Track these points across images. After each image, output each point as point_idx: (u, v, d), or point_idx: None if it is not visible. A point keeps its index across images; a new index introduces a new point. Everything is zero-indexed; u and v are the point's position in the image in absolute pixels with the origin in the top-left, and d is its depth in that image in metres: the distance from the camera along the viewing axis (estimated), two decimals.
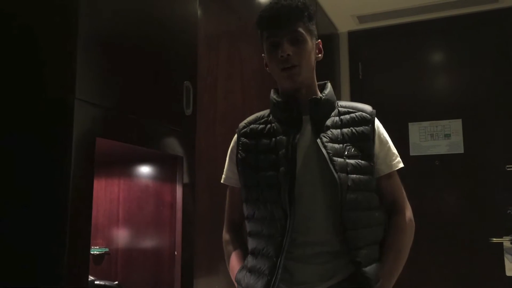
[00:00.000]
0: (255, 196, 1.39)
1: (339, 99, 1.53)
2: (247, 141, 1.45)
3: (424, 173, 3.24)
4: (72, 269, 1.05)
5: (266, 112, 1.50)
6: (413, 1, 3.19)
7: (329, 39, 3.51)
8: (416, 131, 3.26)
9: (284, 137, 1.37)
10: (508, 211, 3.02)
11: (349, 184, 1.31)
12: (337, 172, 1.30)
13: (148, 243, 1.58)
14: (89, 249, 1.12)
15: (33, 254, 1.06)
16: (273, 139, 1.39)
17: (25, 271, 1.06)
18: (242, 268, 1.42)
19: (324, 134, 1.36)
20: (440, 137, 3.25)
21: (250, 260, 1.39)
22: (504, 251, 2.94)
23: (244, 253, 1.47)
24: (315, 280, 1.32)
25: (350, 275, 1.32)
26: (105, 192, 1.63)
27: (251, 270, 1.37)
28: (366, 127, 1.39)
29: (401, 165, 1.45)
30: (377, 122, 1.44)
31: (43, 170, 1.09)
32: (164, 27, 1.49)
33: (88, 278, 1.15)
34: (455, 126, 3.24)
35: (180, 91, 1.53)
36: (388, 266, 1.36)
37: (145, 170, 1.62)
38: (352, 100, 3.45)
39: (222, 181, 1.55)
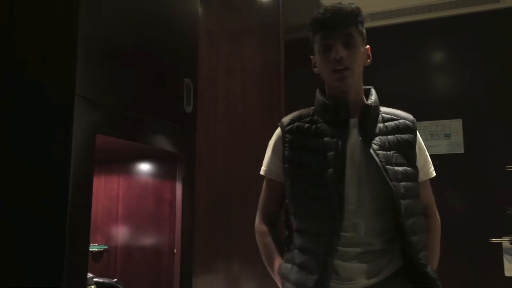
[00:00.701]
0: (303, 195, 1.42)
1: None
2: (293, 138, 1.47)
3: None
4: (71, 266, 1.04)
5: (309, 110, 1.52)
6: (412, 0, 3.18)
7: None
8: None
9: (332, 139, 1.40)
10: (508, 212, 3.02)
11: (402, 192, 1.36)
12: (391, 181, 1.35)
13: (147, 240, 1.57)
14: (88, 246, 1.12)
15: (32, 251, 1.06)
16: (320, 139, 1.42)
17: (24, 268, 1.06)
18: (287, 262, 1.45)
19: (374, 142, 1.40)
20: (441, 137, 3.25)
21: (299, 257, 1.41)
22: (503, 251, 2.94)
23: (281, 247, 1.51)
24: (360, 277, 1.37)
25: (394, 272, 1.39)
26: (105, 189, 1.62)
27: (300, 266, 1.39)
28: (410, 135, 1.46)
29: (434, 173, 1.55)
30: (417, 131, 1.51)
31: (43, 167, 1.08)
32: (164, 25, 1.49)
33: (87, 275, 1.15)
34: (456, 126, 3.24)
35: (181, 89, 1.53)
36: (432, 265, 1.46)
37: (145, 167, 1.62)
38: None
39: (262, 173, 1.56)
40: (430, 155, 1.57)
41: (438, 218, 1.56)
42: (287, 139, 1.47)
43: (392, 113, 1.51)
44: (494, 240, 2.96)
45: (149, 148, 1.41)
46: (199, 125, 1.73)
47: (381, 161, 1.37)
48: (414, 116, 1.53)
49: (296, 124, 1.48)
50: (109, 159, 1.59)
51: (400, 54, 3.51)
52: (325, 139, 1.41)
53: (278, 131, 1.53)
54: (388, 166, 1.37)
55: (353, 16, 1.42)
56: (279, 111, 2.48)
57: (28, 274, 1.05)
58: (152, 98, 1.40)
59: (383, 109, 1.52)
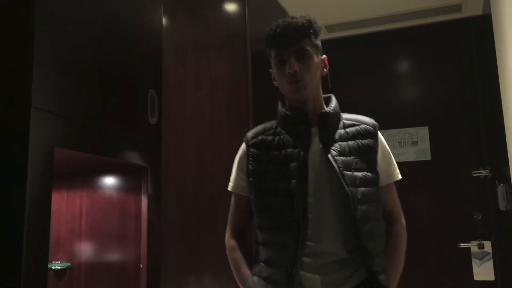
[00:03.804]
0: (267, 207, 1.43)
1: None
2: (258, 152, 1.48)
3: None
4: (29, 286, 1.00)
5: (273, 123, 1.53)
6: (379, 11, 3.24)
7: None
8: (384, 138, 3.27)
9: (294, 150, 1.42)
10: (475, 216, 3.07)
11: (359, 197, 1.37)
12: (348, 186, 1.36)
13: (112, 256, 1.53)
14: (47, 264, 1.07)
15: None
16: (283, 150, 1.43)
17: None
18: (254, 275, 1.45)
19: (333, 147, 1.41)
20: (408, 145, 3.30)
21: (265, 270, 1.41)
22: (472, 256, 2.99)
23: (250, 261, 1.50)
24: None
25: (358, 284, 1.38)
26: (67, 204, 1.58)
27: (266, 279, 1.39)
28: (371, 140, 1.47)
29: (400, 176, 1.53)
30: (380, 135, 1.51)
31: None
32: (127, 36, 1.47)
33: None
34: (422, 133, 3.29)
35: (145, 100, 1.50)
36: (392, 273, 1.44)
37: (108, 181, 1.58)
38: None
39: (229, 189, 1.56)
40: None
41: (403, 224, 1.53)
42: (251, 153, 1.48)
43: (354, 118, 1.53)
44: (462, 245, 3.00)
45: (113, 161, 1.38)
46: (166, 137, 1.71)
47: (339, 167, 1.37)
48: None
49: (260, 137, 1.50)
50: (71, 173, 1.55)
51: (367, 63, 3.56)
52: (288, 150, 1.43)
53: (243, 146, 1.54)
54: (346, 172, 1.37)
55: (304, 29, 1.44)
56: (248, 123, 2.47)
57: None
58: (114, 110, 1.37)
59: (345, 115, 1.54)
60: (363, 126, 1.49)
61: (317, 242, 1.37)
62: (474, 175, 3.08)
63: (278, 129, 1.49)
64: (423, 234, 3.18)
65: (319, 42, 1.49)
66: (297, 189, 1.36)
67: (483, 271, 2.97)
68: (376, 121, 1.55)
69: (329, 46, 3.61)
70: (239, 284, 1.51)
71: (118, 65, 1.41)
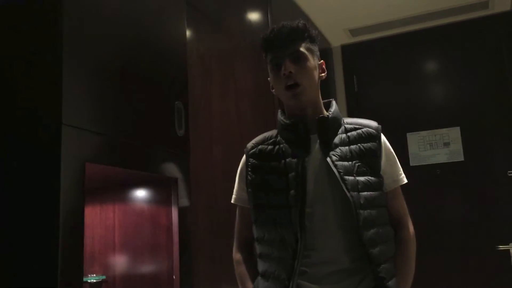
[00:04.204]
0: (265, 218, 1.39)
1: None
2: (256, 162, 1.45)
3: (426, 183, 3.20)
4: None
5: (273, 132, 1.51)
6: (403, 12, 3.20)
7: (323, 54, 3.49)
8: (415, 141, 3.24)
9: (293, 160, 1.38)
10: None
11: (362, 202, 1.32)
12: (349, 191, 1.31)
13: (145, 268, 1.54)
14: (82, 278, 1.09)
15: None
16: (283, 160, 1.40)
17: None
18: None
19: (333, 153, 1.37)
20: (440, 146, 3.23)
21: (262, 283, 1.38)
22: None
23: (256, 274, 1.46)
24: None
25: None
26: (100, 218, 1.60)
27: None
28: (374, 143, 1.41)
29: (405, 180, 1.47)
30: (383, 138, 1.46)
31: (31, 200, 1.06)
32: (151, 49, 1.48)
33: None
34: (454, 134, 3.22)
35: (172, 112, 1.51)
36: (402, 280, 1.38)
37: (140, 194, 1.60)
38: (349, 113, 3.44)
39: (232, 201, 1.55)
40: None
41: (411, 230, 1.46)
42: (250, 163, 1.46)
43: (355, 122, 1.47)
44: (501, 247, 2.91)
45: (143, 174, 1.39)
46: (195, 148, 1.72)
47: (339, 172, 1.33)
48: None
49: (259, 147, 1.47)
50: (103, 187, 1.58)
51: (394, 64, 3.52)
52: (287, 160, 1.39)
53: (243, 157, 1.52)
54: (346, 177, 1.33)
55: (299, 32, 1.42)
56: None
57: None
58: (142, 123, 1.38)
59: (347, 119, 1.49)
60: (365, 129, 1.43)
61: (318, 252, 1.33)
62: (510, 175, 2.99)
63: (278, 138, 1.46)
64: (460, 238, 3.11)
65: (315, 48, 1.46)
66: (295, 200, 1.33)
67: None
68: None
69: (354, 50, 3.64)
70: None
71: (144, 78, 1.42)
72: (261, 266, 1.41)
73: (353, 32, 3.48)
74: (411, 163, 3.22)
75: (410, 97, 3.40)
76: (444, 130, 3.24)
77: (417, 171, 3.20)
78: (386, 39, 3.53)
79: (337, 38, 3.58)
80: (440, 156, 3.21)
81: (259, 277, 1.41)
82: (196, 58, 1.98)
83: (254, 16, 2.68)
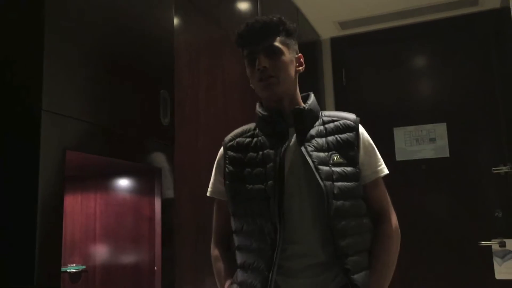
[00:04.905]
0: (243, 210, 1.38)
1: (323, 105, 1.52)
2: (234, 154, 1.44)
3: (411, 178, 3.22)
4: None
5: (252, 125, 1.50)
6: (394, 6, 3.19)
7: (312, 46, 3.49)
8: (401, 136, 3.25)
9: (271, 151, 1.37)
10: (496, 214, 3.01)
11: (335, 192, 1.31)
12: (322, 181, 1.30)
13: (127, 258, 1.52)
14: (60, 267, 1.07)
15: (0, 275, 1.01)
16: (260, 152, 1.39)
17: None
18: (233, 283, 1.40)
19: (309, 144, 1.37)
20: (425, 141, 3.24)
21: (240, 275, 1.38)
22: (493, 254, 2.92)
23: (234, 269, 1.45)
24: None
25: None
26: (81, 207, 1.57)
27: (241, 285, 1.35)
28: (350, 134, 1.40)
29: (386, 171, 1.45)
30: (361, 129, 1.44)
31: (9, 187, 1.03)
32: (138, 36, 1.45)
33: None
34: (440, 130, 3.23)
35: (157, 101, 1.49)
36: (377, 274, 1.36)
37: (122, 183, 1.57)
38: (337, 106, 3.44)
39: (208, 194, 1.54)
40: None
41: (394, 223, 1.43)
42: (228, 156, 1.45)
43: (334, 115, 1.47)
44: (483, 243, 2.94)
45: (126, 163, 1.37)
46: (181, 139, 1.69)
47: (313, 162, 1.33)
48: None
49: (237, 140, 1.47)
50: (84, 176, 1.55)
51: (383, 59, 3.52)
52: (265, 151, 1.39)
53: (221, 149, 1.51)
54: (321, 167, 1.32)
55: (273, 27, 1.41)
56: None
57: None
58: (126, 111, 1.36)
59: (325, 112, 1.48)
60: (342, 121, 1.43)
61: (296, 243, 1.32)
62: (495, 171, 3.01)
63: (256, 131, 1.46)
64: (443, 233, 3.13)
65: (292, 41, 1.45)
66: (273, 191, 1.32)
67: (504, 269, 2.90)
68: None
69: (343, 43, 3.63)
70: None
71: (129, 66, 1.40)
72: (239, 257, 1.40)
73: (343, 25, 3.46)
74: (397, 158, 3.22)
75: (397, 92, 3.41)
76: (431, 126, 3.25)
77: (403, 166, 3.21)
78: (376, 33, 3.52)
79: (326, 31, 3.57)
80: (426, 151, 3.23)
81: (238, 269, 1.40)
82: (183, 47, 1.95)
83: (243, 6, 2.65)
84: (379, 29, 3.50)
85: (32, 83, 1.06)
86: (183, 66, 1.91)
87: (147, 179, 1.51)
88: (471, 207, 3.09)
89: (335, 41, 3.65)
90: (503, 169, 2.98)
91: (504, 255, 2.91)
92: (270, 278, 1.28)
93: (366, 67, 3.56)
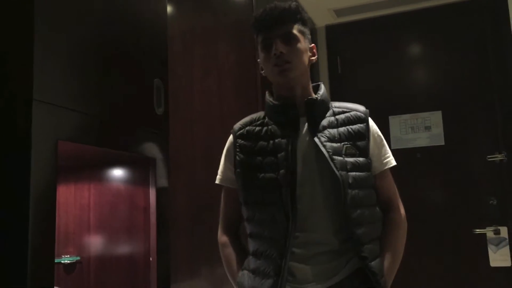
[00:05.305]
0: (255, 198, 1.40)
1: None
2: (245, 142, 1.45)
3: (406, 166, 3.21)
4: (36, 281, 0.98)
5: (260, 114, 1.51)
6: None
7: None
8: (397, 124, 3.24)
9: (282, 140, 1.39)
10: (491, 202, 3.02)
11: (350, 181, 1.34)
12: (338, 170, 1.33)
13: (121, 249, 1.51)
14: (53, 260, 1.06)
15: None
16: (271, 141, 1.41)
17: None
18: (243, 269, 1.43)
19: (322, 134, 1.39)
20: (421, 130, 3.23)
21: (253, 262, 1.40)
22: (488, 242, 2.94)
23: (243, 256, 1.47)
24: (317, 279, 1.34)
25: (352, 273, 1.35)
26: (75, 197, 1.56)
27: (254, 272, 1.37)
28: (361, 125, 1.43)
29: (394, 162, 1.51)
30: (371, 121, 1.48)
31: (0, 178, 1.02)
32: (130, 24, 1.43)
33: None
34: (435, 118, 3.23)
35: (151, 90, 1.47)
36: (388, 262, 1.40)
37: (116, 173, 1.56)
38: (332, 94, 3.42)
39: (217, 182, 1.54)
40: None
41: (402, 212, 1.49)
42: (238, 144, 1.46)
43: (344, 106, 1.49)
44: (478, 231, 2.96)
45: (120, 153, 1.35)
46: (175, 127, 1.68)
47: (328, 152, 1.35)
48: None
49: (246, 128, 1.48)
50: (78, 166, 1.53)
51: (379, 47, 3.49)
52: (276, 140, 1.40)
53: (230, 137, 1.52)
54: (335, 157, 1.35)
55: (291, 13, 1.42)
56: (257, 111, 2.43)
57: None
58: (119, 100, 1.34)
59: (335, 103, 1.51)
60: (353, 112, 1.46)
61: (308, 232, 1.34)
62: (489, 159, 3.02)
63: (266, 119, 1.47)
64: (437, 221, 3.14)
65: (307, 30, 1.46)
66: (285, 180, 1.33)
67: (499, 257, 2.92)
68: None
69: (338, 31, 3.60)
70: (231, 282, 1.48)
71: (122, 54, 1.37)
72: (252, 245, 1.42)
73: (338, 12, 3.44)
74: (393, 146, 3.21)
75: (393, 80, 3.39)
76: (426, 114, 3.24)
77: (398, 154, 3.18)
78: (371, 20, 3.49)
79: (321, 18, 3.54)
80: (421, 139, 3.22)
81: (250, 256, 1.42)
82: (177, 35, 1.93)
83: None
84: (375, 17, 3.47)
85: (23, 73, 1.04)
86: (177, 54, 1.89)
87: (141, 169, 1.50)
88: (466, 195, 3.10)
89: (330, 29, 3.62)
90: (498, 157, 2.99)
91: (498, 243, 2.92)
92: (283, 265, 1.30)
93: (362, 55, 3.54)
